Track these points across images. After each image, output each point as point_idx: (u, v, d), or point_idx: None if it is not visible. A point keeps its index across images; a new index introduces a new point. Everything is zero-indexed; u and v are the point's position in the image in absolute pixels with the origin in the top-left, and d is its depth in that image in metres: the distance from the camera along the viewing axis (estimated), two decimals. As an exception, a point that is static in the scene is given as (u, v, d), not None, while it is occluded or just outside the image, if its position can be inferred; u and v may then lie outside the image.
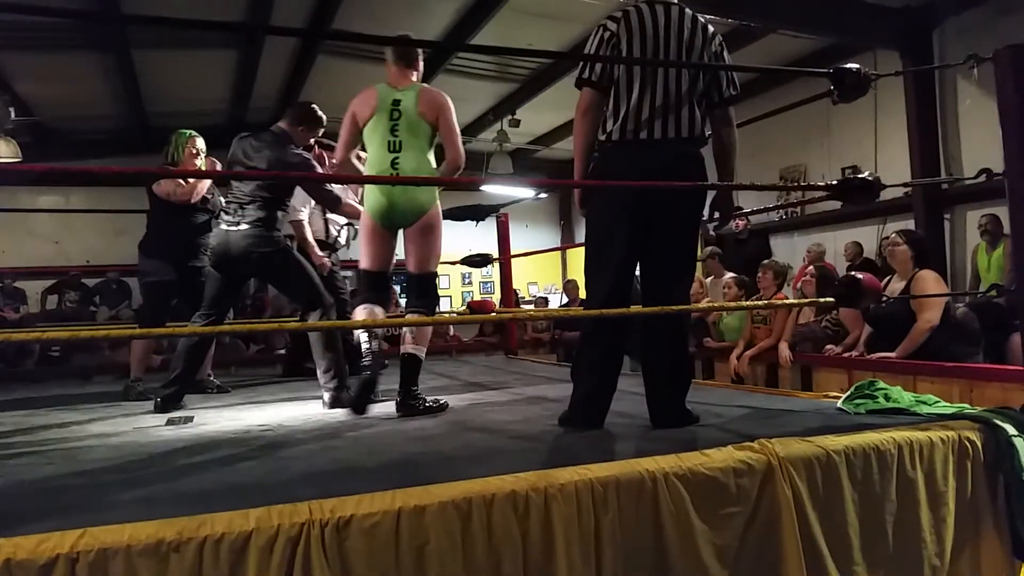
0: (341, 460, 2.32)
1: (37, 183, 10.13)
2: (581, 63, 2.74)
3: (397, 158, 3.40)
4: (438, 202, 3.52)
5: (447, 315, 11.70)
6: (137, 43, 7.59)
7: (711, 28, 2.70)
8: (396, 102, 3.45)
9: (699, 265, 8.00)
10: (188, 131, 4.55)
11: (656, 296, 2.63)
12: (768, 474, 1.98)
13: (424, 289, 3.55)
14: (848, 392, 2.79)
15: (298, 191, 4.79)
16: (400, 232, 3.51)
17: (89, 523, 1.57)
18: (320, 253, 5.01)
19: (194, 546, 1.55)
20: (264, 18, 7.16)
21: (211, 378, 4.59)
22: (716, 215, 2.87)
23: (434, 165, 3.52)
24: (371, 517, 1.65)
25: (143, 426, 3.24)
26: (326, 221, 5.20)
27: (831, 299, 2.90)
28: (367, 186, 3.67)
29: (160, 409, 3.68)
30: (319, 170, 4.17)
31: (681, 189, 2.58)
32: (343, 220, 5.36)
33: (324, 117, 4.20)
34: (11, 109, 8.38)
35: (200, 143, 4.53)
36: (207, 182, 4.48)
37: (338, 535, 1.62)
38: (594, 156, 2.75)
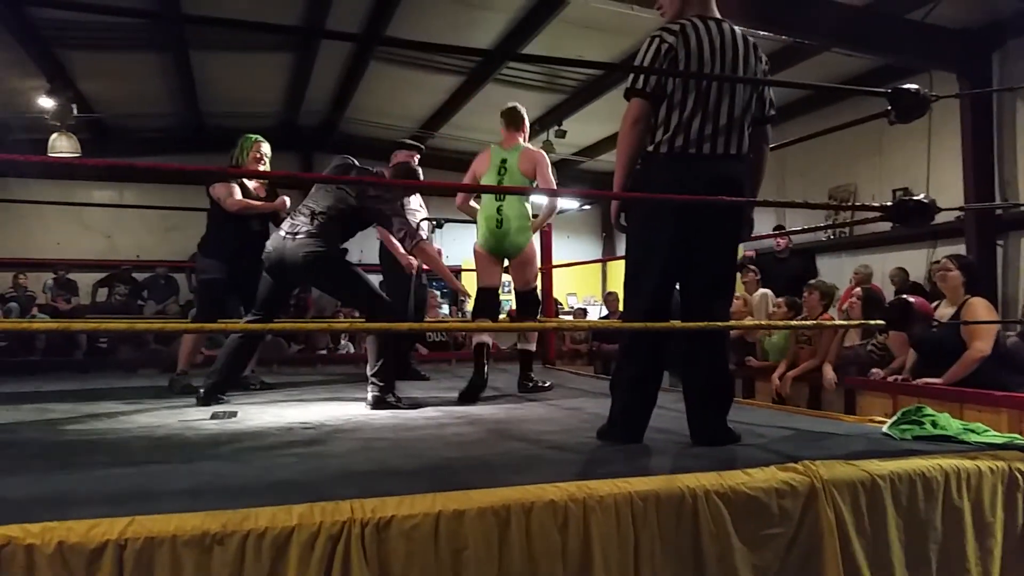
0: (381, 461, 2.34)
1: (93, 178, 10.41)
2: (633, 74, 2.72)
3: (502, 205, 4.40)
4: (533, 240, 4.52)
5: (487, 323, 11.76)
6: (195, 44, 7.77)
7: (759, 48, 2.71)
8: (503, 160, 4.58)
9: (740, 282, 7.97)
10: (254, 136, 4.63)
11: (696, 311, 2.62)
12: (811, 496, 1.95)
13: (526, 302, 4.67)
14: (895, 417, 2.74)
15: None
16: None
17: (137, 512, 1.61)
18: (404, 252, 4.99)
19: (238, 539, 1.58)
20: (320, 23, 7.30)
21: (254, 374, 4.66)
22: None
23: (530, 211, 4.55)
24: (411, 519, 1.66)
25: (188, 420, 3.30)
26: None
27: (881, 322, 2.85)
28: (481, 224, 4.52)
29: (202, 402, 3.77)
30: (394, 221, 4.15)
31: (724, 205, 2.56)
32: (421, 213, 5.55)
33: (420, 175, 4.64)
34: (73, 106, 8.62)
35: (266, 148, 4.61)
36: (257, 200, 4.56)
37: (378, 535, 1.63)
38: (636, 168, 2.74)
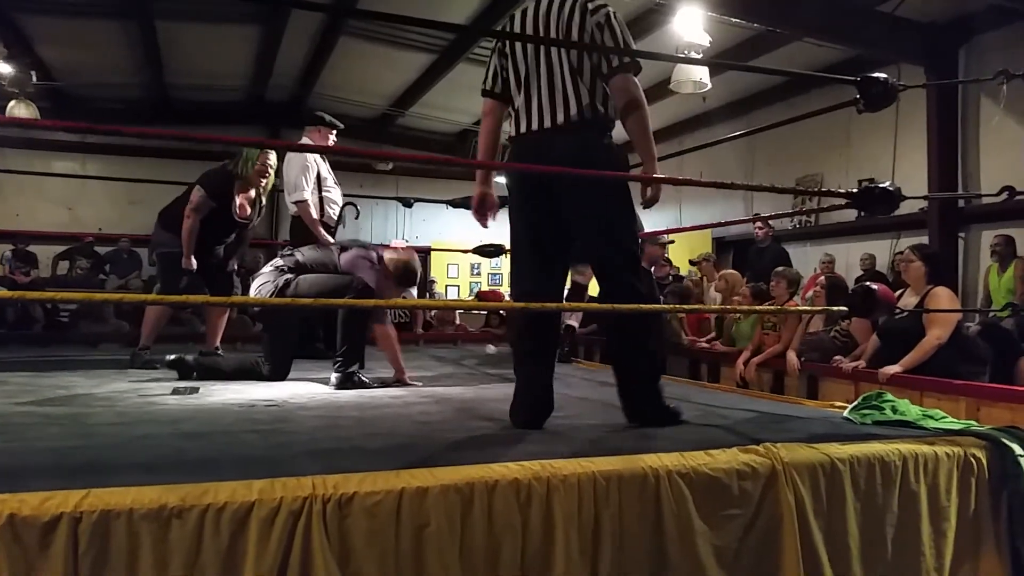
0: (345, 439, 2.32)
1: (54, 148, 10.17)
2: (485, 74, 2.82)
3: None
4: None
5: (453, 301, 11.72)
6: (161, 13, 7.61)
7: (591, 4, 2.59)
8: None
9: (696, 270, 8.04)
10: (257, 150, 4.54)
11: (601, 289, 2.65)
12: (771, 478, 1.97)
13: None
14: (855, 402, 2.78)
15: (294, 174, 4.97)
16: None
17: (93, 485, 1.57)
18: (325, 234, 5.02)
19: (196, 513, 1.56)
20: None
21: (219, 353, 4.60)
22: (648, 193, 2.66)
23: None
24: (373, 496, 1.65)
25: (148, 394, 3.25)
26: (322, 200, 5.17)
27: (844, 308, 2.89)
28: None
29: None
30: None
31: (570, 178, 2.52)
32: (341, 201, 5.43)
33: None
34: (32, 73, 8.39)
35: (272, 159, 4.57)
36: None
37: (340, 511, 1.62)
38: None
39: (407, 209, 6.15)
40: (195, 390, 3.40)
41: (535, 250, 2.68)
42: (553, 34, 2.60)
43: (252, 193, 4.61)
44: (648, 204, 2.65)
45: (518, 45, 2.67)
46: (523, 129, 2.67)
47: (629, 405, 2.61)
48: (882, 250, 8.44)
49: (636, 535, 1.82)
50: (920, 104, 7.55)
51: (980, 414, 3.54)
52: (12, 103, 8.28)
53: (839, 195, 2.78)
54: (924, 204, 7.47)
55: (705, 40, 6.33)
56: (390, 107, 10.75)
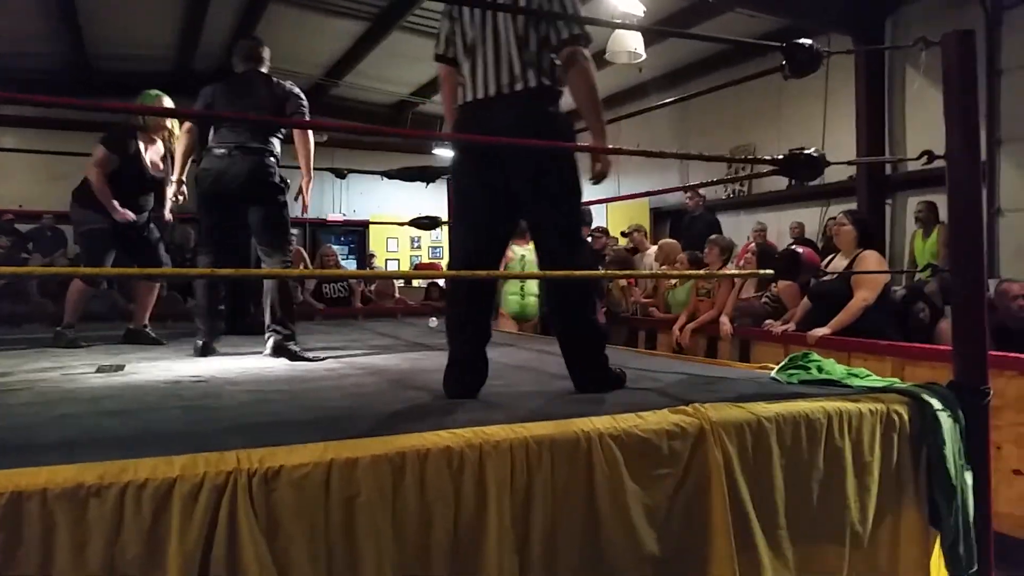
0: (274, 413, 2.28)
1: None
2: (437, 38, 2.77)
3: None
4: None
5: (393, 271, 11.62)
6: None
7: None
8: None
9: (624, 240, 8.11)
10: (155, 91, 4.35)
11: (541, 262, 2.63)
12: (700, 437, 2.00)
13: None
14: (782, 363, 2.84)
15: None
16: None
17: (6, 466, 1.51)
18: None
19: (115, 491, 1.50)
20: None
21: (147, 330, 4.47)
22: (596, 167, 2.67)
23: None
24: (301, 468, 1.62)
25: (71, 373, 3.14)
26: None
27: (771, 271, 2.94)
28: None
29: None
30: None
31: (499, 149, 2.51)
32: None
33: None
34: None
35: (167, 103, 4.35)
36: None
37: (266, 485, 1.58)
38: None
39: (342, 181, 6.01)
40: (120, 367, 3.29)
41: (477, 217, 2.66)
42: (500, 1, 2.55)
43: (160, 147, 4.44)
44: (597, 179, 2.65)
45: (466, 10, 2.61)
46: (469, 97, 2.63)
47: (577, 374, 2.61)
48: (812, 218, 8.65)
49: (568, 498, 1.83)
50: (849, 74, 7.73)
51: (904, 373, 3.66)
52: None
53: (767, 162, 2.81)
54: (853, 172, 7.67)
55: (639, 10, 6.35)
56: (323, 77, 10.52)
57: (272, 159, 3.97)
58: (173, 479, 1.54)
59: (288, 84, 4.06)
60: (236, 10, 8.37)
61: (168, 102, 4.33)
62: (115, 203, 4.23)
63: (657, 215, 10.84)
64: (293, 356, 3.61)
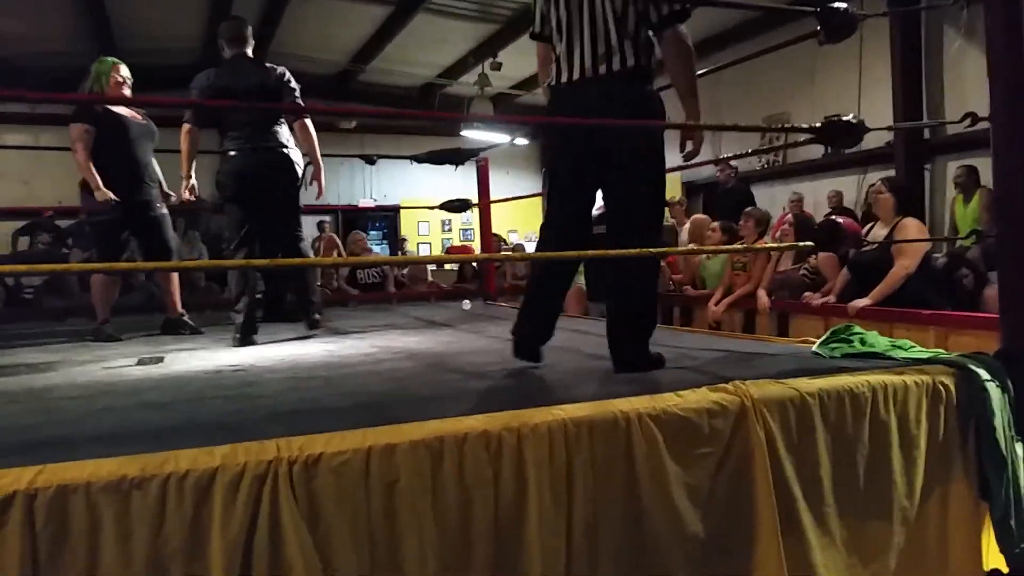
0: (312, 400, 2.29)
1: (5, 121, 9.86)
2: (532, 17, 2.74)
3: None
4: None
5: (425, 256, 11.65)
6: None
7: None
8: None
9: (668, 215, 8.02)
10: (110, 58, 4.28)
11: (610, 238, 2.62)
12: (741, 415, 1.96)
13: None
14: (824, 337, 2.79)
15: None
16: None
17: (51, 460, 1.53)
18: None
19: (157, 483, 1.52)
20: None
21: (185, 319, 4.52)
22: (688, 146, 2.69)
23: None
24: (340, 455, 1.62)
25: (112, 366, 3.19)
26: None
27: (811, 243, 2.88)
28: None
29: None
30: None
31: (612, 128, 2.48)
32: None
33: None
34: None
35: (125, 71, 4.27)
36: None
37: (306, 473, 1.59)
38: None
39: (372, 167, 6.01)
40: (160, 359, 3.34)
41: (566, 196, 2.68)
42: None
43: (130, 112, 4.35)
44: (688, 157, 2.67)
45: None
46: (564, 78, 2.59)
47: (618, 354, 2.58)
48: (849, 186, 8.48)
49: (609, 480, 1.81)
50: (883, 39, 7.53)
51: (948, 343, 3.58)
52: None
53: (804, 131, 2.75)
54: (890, 138, 7.50)
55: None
56: (350, 63, 10.52)
57: (285, 149, 4.10)
58: (214, 469, 1.55)
59: (280, 70, 4.10)
60: (261, 0, 8.39)
61: (125, 68, 4.27)
62: (99, 182, 4.09)
63: (690, 189, 10.71)
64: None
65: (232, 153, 4.03)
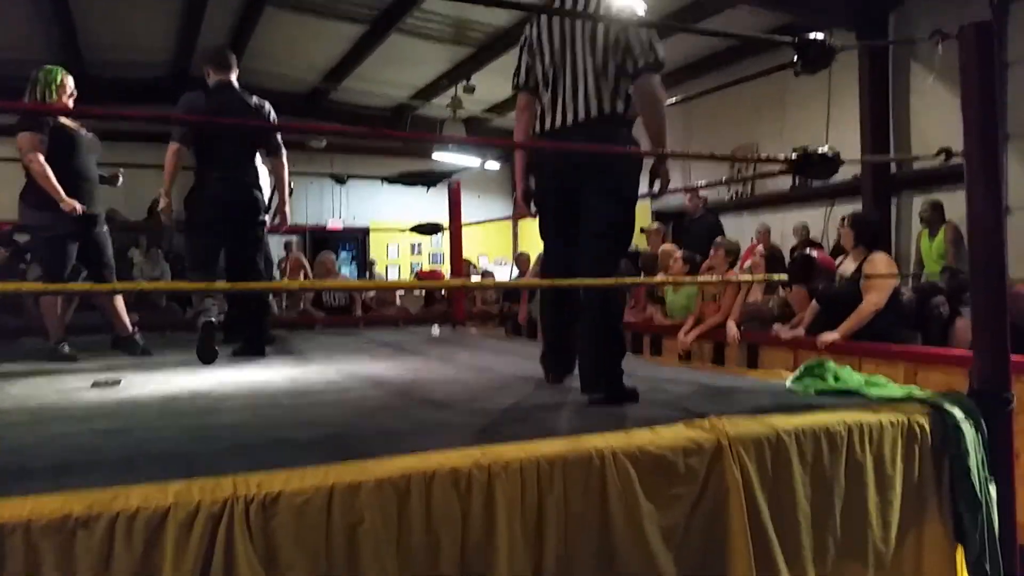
0: (273, 431, 2.20)
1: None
2: (515, 69, 2.95)
3: None
4: None
5: (393, 282, 11.55)
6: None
7: (617, 4, 2.69)
8: None
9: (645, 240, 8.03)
10: (55, 67, 4.11)
11: (581, 265, 2.73)
12: (717, 454, 1.92)
13: None
14: (797, 372, 2.76)
15: None
16: None
17: (-7, 493, 1.44)
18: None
19: (105, 522, 1.43)
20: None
21: (136, 338, 4.35)
22: (656, 184, 2.84)
23: None
24: (301, 494, 1.54)
25: (65, 389, 3.06)
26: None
27: (784, 276, 2.86)
28: None
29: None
30: None
31: (588, 169, 2.67)
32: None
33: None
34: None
35: (71, 81, 4.13)
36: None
37: (264, 512, 1.51)
38: None
39: (342, 187, 5.93)
40: (117, 382, 3.21)
41: (558, 229, 2.90)
42: (579, 34, 2.71)
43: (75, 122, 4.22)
44: (658, 194, 2.86)
45: (545, 43, 2.78)
46: (547, 126, 2.81)
47: (589, 383, 2.62)
48: (816, 219, 8.56)
49: (582, 520, 1.75)
50: (852, 72, 7.65)
51: (917, 379, 3.57)
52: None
53: (778, 162, 2.73)
54: (857, 171, 7.59)
55: (641, 8, 6.26)
56: (322, 81, 10.44)
57: (256, 190, 4.24)
58: (167, 508, 1.46)
59: (266, 108, 4.21)
60: (232, 14, 8.28)
61: (69, 79, 4.14)
62: (62, 192, 3.95)
63: (658, 217, 10.74)
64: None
65: (210, 180, 4.07)
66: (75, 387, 3.11)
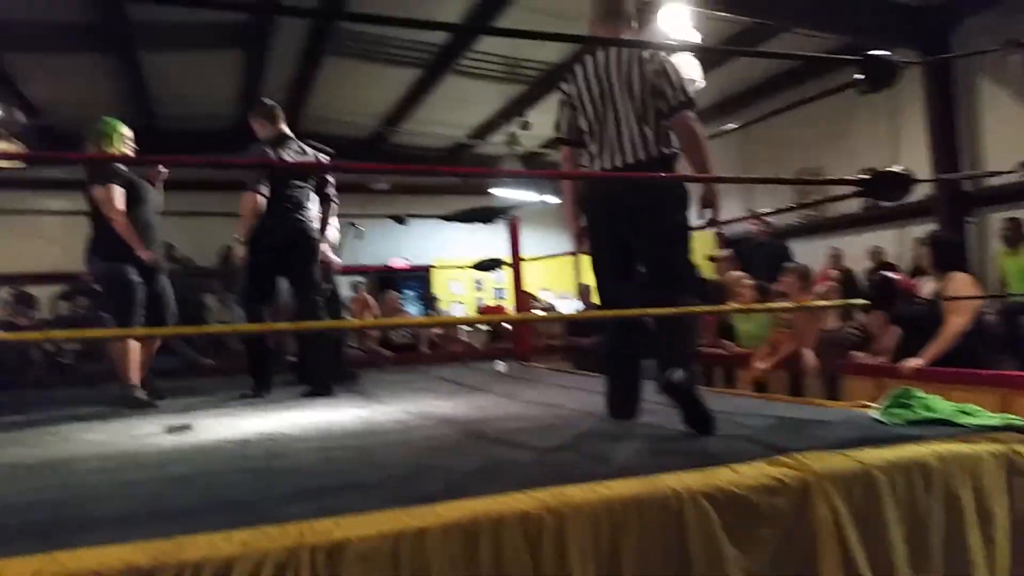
0: (341, 473, 2.16)
1: (46, 187, 10.06)
2: (554, 124, 3.09)
3: None
4: None
5: (457, 317, 11.59)
6: (143, 44, 7.50)
7: (646, 55, 2.84)
8: None
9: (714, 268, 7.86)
10: (113, 119, 4.22)
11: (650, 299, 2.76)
12: (804, 492, 1.81)
13: None
14: (884, 402, 2.61)
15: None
16: None
17: (62, 544, 1.43)
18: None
19: (171, 573, 1.40)
20: (269, 21, 7.10)
21: (135, 394, 4.13)
22: (706, 213, 2.93)
23: None
24: (368, 541, 1.49)
25: (139, 434, 3.10)
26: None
27: (864, 301, 2.73)
28: None
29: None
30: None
31: (638, 203, 2.79)
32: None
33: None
34: (20, 113, 8.31)
35: (129, 132, 4.27)
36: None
37: (330, 560, 1.46)
38: None
39: (404, 227, 5.97)
40: (188, 427, 3.24)
41: (613, 266, 2.98)
42: (616, 86, 2.85)
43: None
44: (709, 224, 2.97)
45: (585, 97, 2.92)
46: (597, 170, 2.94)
47: (660, 374, 2.69)
48: (889, 240, 8.30)
49: (659, 566, 1.65)
50: (916, 92, 7.44)
51: (1015, 406, 3.35)
52: (1, 144, 8.21)
53: (850, 183, 2.63)
54: (928, 190, 7.34)
55: (696, 37, 6.21)
56: (381, 125, 10.64)
57: (312, 232, 4.43)
58: (232, 557, 1.43)
59: (320, 155, 4.47)
60: (294, 65, 8.52)
61: (127, 129, 4.26)
62: (142, 243, 4.10)
63: (724, 244, 10.55)
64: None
65: (274, 222, 4.25)
66: (149, 432, 3.15)
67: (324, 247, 4.73)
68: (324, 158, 4.44)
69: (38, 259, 9.83)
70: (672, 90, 2.78)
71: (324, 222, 4.62)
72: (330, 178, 4.61)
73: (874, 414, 2.56)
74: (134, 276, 4.15)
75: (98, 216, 4.16)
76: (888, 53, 2.63)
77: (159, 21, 7.16)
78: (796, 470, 1.82)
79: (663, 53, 2.86)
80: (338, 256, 5.13)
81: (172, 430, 3.19)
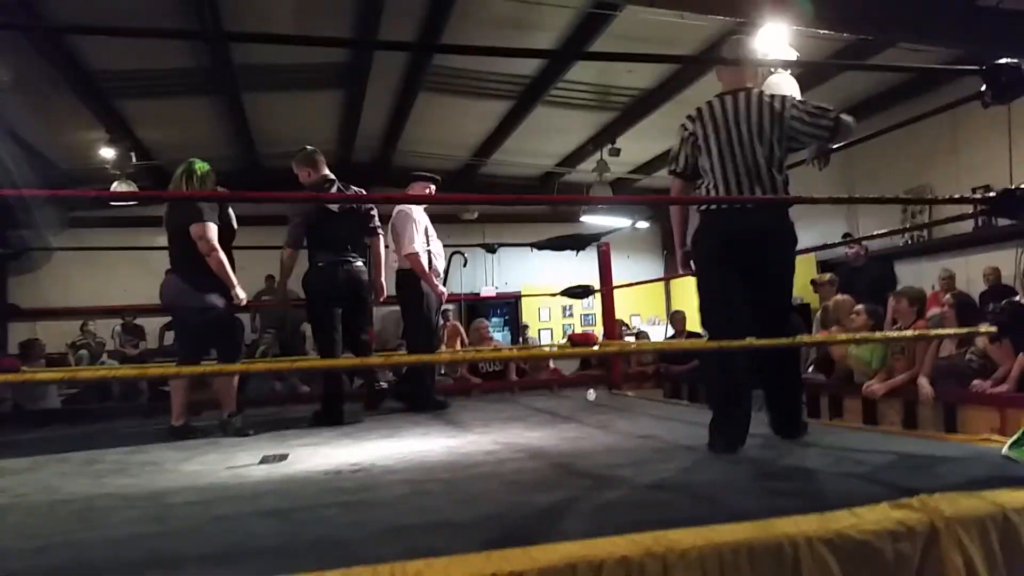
0: (432, 510, 2.11)
1: (156, 224, 10.55)
2: (670, 157, 3.25)
3: None
4: None
5: (546, 348, 11.51)
6: (247, 86, 7.80)
7: (777, 103, 3.01)
8: None
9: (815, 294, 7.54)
10: (199, 160, 4.34)
11: (763, 330, 2.91)
12: (932, 537, 1.65)
13: None
14: (1015, 436, 2.39)
15: (401, 226, 5.11)
16: None
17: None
18: (437, 283, 5.21)
19: (261, 615, 1.37)
20: (368, 60, 7.30)
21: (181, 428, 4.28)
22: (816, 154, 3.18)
23: None
24: (459, 585, 1.42)
25: (236, 466, 3.14)
26: (429, 252, 5.17)
27: (992, 328, 2.51)
28: None
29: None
30: None
31: (772, 238, 3.01)
32: (443, 252, 5.54)
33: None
34: (132, 154, 8.77)
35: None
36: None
37: (422, 605, 1.40)
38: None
39: (493, 255, 5.98)
40: (284, 457, 3.27)
41: (736, 297, 3.03)
42: (745, 131, 2.99)
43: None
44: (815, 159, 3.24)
45: (711, 139, 3.04)
46: (725, 206, 3.04)
47: (777, 420, 3.03)
48: (1006, 261, 7.77)
49: (775, 619, 1.52)
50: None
51: None
52: (115, 183, 8.68)
53: (973, 201, 2.46)
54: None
55: (793, 55, 6.01)
56: (472, 157, 10.75)
57: (363, 271, 4.80)
58: (320, 602, 1.39)
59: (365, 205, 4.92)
60: (390, 102, 8.70)
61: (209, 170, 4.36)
62: (236, 281, 4.27)
63: (824, 268, 10.15)
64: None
65: (322, 264, 4.64)
66: (245, 463, 3.18)
67: (433, 277, 5.12)
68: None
69: (148, 293, 10.31)
70: (813, 128, 2.97)
71: (377, 255, 4.94)
72: (373, 211, 4.92)
73: (1004, 450, 2.34)
74: (224, 308, 4.28)
75: (191, 250, 4.22)
76: (1016, 61, 2.44)
77: (263, 64, 7.45)
78: (923, 513, 1.66)
79: (790, 98, 3.06)
80: (443, 287, 5.32)
81: (267, 460, 3.22)
